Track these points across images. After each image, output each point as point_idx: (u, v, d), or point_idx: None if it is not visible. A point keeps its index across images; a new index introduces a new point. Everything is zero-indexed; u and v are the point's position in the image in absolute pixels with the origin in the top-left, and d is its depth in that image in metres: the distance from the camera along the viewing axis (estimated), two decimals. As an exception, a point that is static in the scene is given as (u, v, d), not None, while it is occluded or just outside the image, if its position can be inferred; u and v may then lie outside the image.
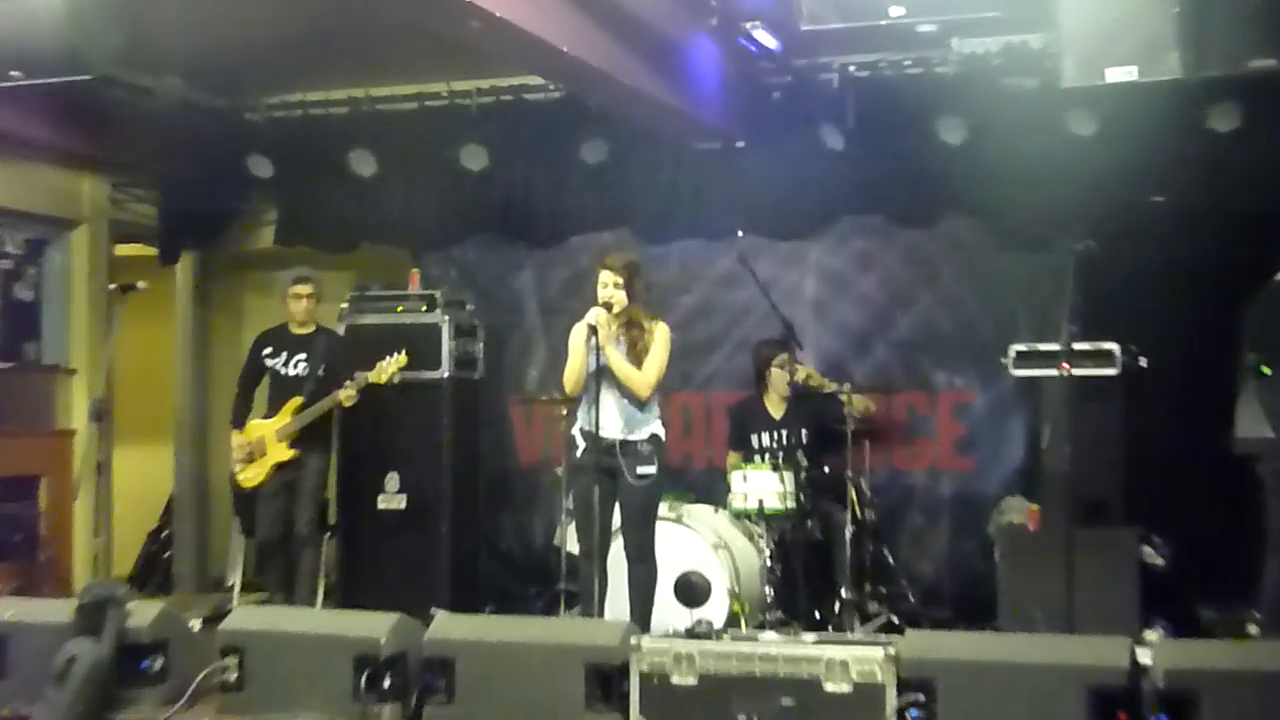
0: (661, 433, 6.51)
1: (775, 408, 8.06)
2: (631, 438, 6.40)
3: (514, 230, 9.13)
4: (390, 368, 7.64)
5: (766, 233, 8.52)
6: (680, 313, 8.70)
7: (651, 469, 6.38)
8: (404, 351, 7.69)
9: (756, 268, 7.56)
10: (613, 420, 6.34)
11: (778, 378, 7.95)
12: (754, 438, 8.04)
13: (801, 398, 7.82)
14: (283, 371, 7.92)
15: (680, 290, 8.82)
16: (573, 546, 6.92)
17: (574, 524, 6.75)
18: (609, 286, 6.36)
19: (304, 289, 7.96)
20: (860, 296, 8.57)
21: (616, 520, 6.55)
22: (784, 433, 7.91)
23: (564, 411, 7.32)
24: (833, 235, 8.60)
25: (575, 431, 6.56)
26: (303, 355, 7.92)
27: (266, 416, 7.92)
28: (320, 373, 7.88)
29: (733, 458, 8.09)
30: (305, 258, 8.94)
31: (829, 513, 7.74)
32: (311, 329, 8.04)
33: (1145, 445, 7.28)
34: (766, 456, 7.82)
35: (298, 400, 7.79)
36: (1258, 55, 5.88)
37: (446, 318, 8.45)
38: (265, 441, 7.81)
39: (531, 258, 9.17)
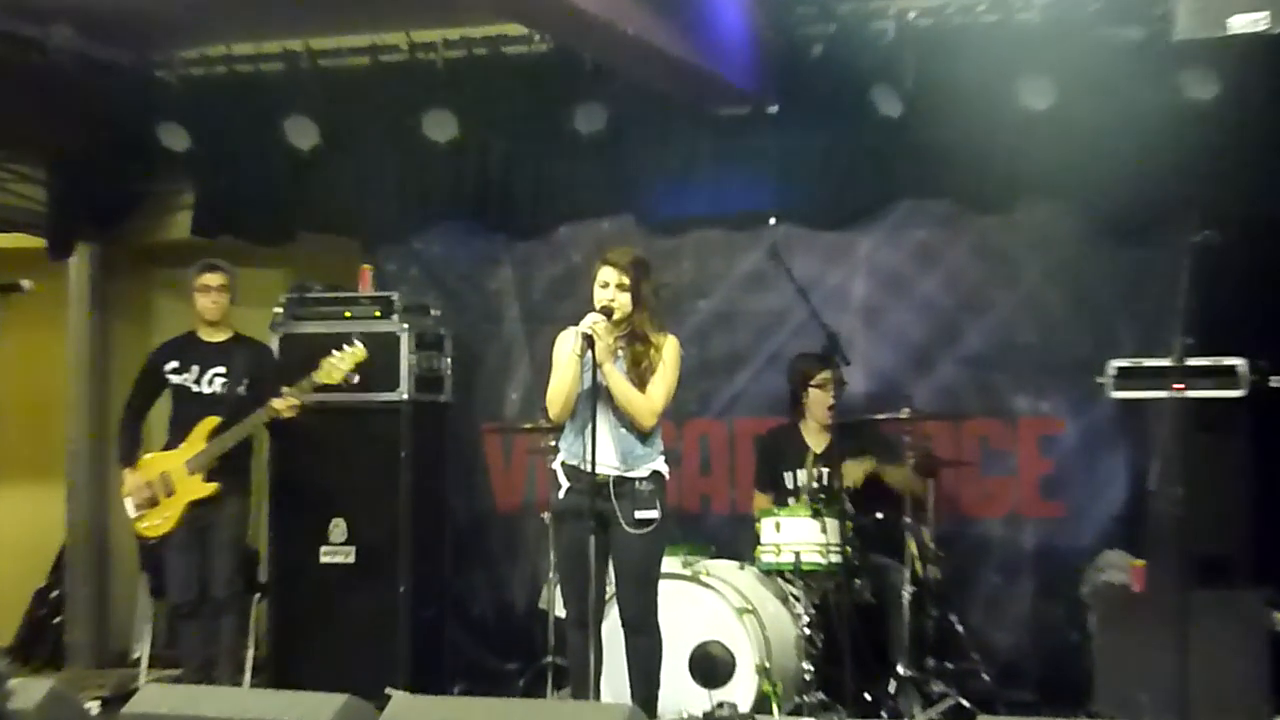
0: (665, 470, 6.51)
1: (815, 439, 8.07)
2: (629, 475, 6.40)
3: (490, 217, 9.16)
4: (344, 364, 7.60)
5: (805, 220, 8.55)
6: (697, 320, 8.74)
7: (653, 513, 6.37)
8: (360, 343, 7.67)
9: (792, 264, 7.57)
10: (606, 453, 6.34)
11: (818, 401, 7.96)
12: (789, 476, 8.06)
13: (849, 426, 7.82)
14: (195, 389, 7.89)
15: (697, 292, 8.84)
16: (561, 611, 6.92)
17: (560, 583, 6.75)
18: (610, 288, 6.37)
19: (214, 278, 7.95)
20: (921, 300, 8.59)
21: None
22: (826, 470, 7.91)
23: (551, 443, 7.34)
24: (887, 224, 8.62)
25: (556, 466, 6.56)
26: (220, 369, 7.90)
27: (168, 447, 7.90)
28: (243, 389, 7.85)
29: (762, 501, 8.10)
30: (229, 251, 8.94)
31: (882, 569, 7.75)
32: (228, 334, 8.04)
33: (1277, 485, 7.27)
34: (805, 499, 7.82)
35: (213, 420, 7.75)
36: None
37: (406, 326, 8.48)
38: (172, 478, 7.78)
39: (512, 252, 9.19)
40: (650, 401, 6.39)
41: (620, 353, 6.43)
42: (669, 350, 6.46)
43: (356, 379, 7.64)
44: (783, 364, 8.40)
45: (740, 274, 8.79)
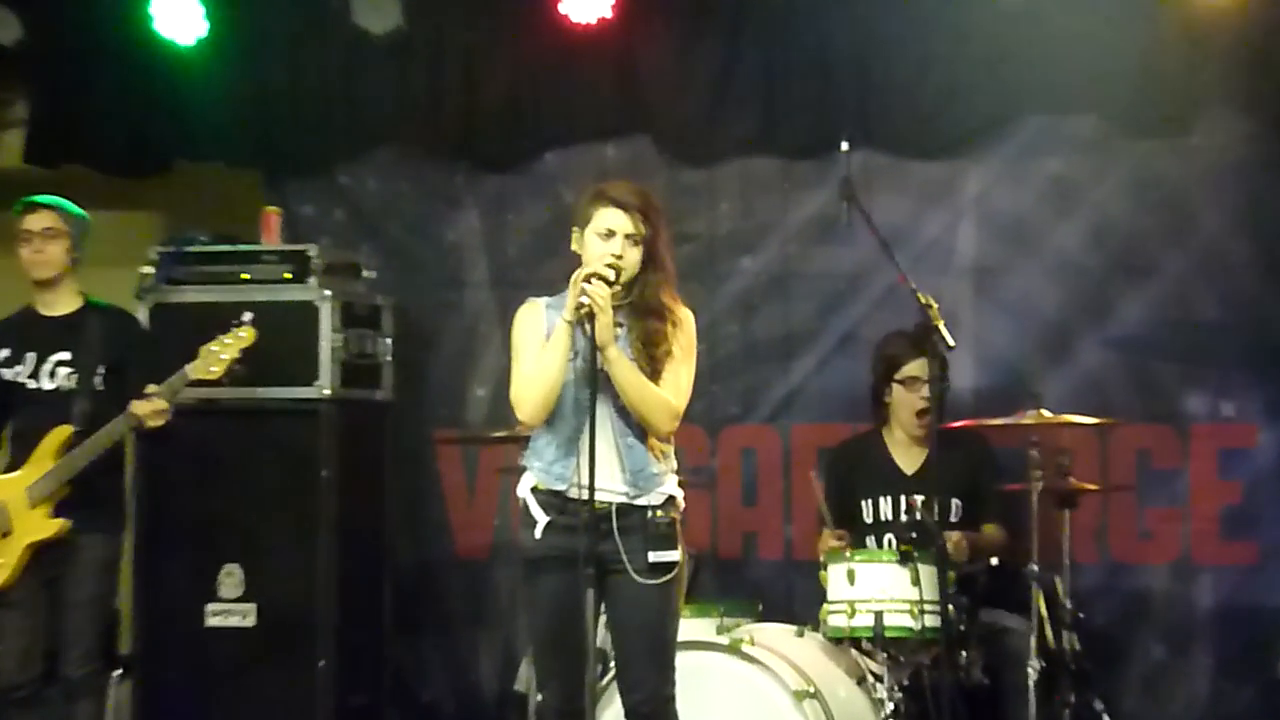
0: (680, 495, 6.49)
1: (905, 454, 8.11)
2: (640, 502, 6.37)
3: (447, 140, 9.21)
4: (227, 352, 7.60)
5: (890, 146, 8.62)
6: (739, 286, 8.80)
7: (672, 554, 6.30)
8: (250, 321, 7.63)
9: (873, 207, 7.57)
10: (609, 471, 6.32)
11: (905, 403, 7.99)
12: (867, 506, 8.10)
13: (952, 438, 7.83)
14: (32, 386, 7.90)
15: (739, 246, 8.90)
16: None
17: (536, 657, 6.76)
18: (617, 239, 6.33)
19: (36, 220, 7.85)
20: (1055, 257, 8.62)
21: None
22: (919, 498, 7.93)
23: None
24: (1006, 150, 8.66)
25: (525, 493, 6.47)
26: (62, 354, 7.88)
27: (10, 469, 7.91)
28: (99, 382, 7.84)
29: (830, 541, 8.12)
30: (80, 185, 8.95)
31: (999, 637, 7.78)
32: (75, 305, 7.99)
33: None
34: (890, 540, 7.86)
35: (65, 431, 7.74)
36: None
37: (328, 293, 8.51)
38: (9, 511, 7.77)
39: (479, 188, 9.25)
40: (670, 399, 6.35)
41: (621, 330, 6.39)
42: (687, 328, 6.39)
43: (238, 370, 7.61)
44: (859, 347, 8.44)
45: (800, 220, 8.84)
